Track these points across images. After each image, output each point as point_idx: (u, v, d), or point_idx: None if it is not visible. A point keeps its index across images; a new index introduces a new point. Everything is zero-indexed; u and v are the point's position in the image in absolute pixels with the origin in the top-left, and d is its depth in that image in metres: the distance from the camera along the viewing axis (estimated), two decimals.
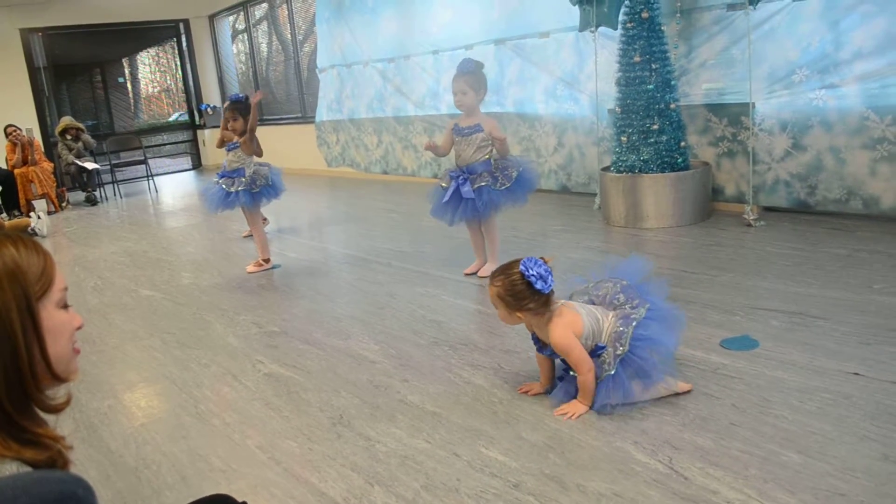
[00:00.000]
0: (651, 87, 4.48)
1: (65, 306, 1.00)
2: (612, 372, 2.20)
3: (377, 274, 4.17)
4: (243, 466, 2.17)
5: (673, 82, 4.56)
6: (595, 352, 2.26)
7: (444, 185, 3.77)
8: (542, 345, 2.35)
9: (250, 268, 4.58)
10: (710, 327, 2.80)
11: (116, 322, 3.83)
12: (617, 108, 4.70)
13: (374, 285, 3.95)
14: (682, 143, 4.58)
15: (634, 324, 2.23)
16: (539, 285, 2.17)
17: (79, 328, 1.01)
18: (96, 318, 3.91)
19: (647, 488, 1.81)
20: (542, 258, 2.23)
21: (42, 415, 0.97)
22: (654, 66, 4.48)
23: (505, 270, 2.26)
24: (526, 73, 6.07)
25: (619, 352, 2.21)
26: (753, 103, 4.34)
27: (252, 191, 4.38)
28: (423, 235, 5.03)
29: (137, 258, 5.45)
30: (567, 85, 5.69)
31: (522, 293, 2.20)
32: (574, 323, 2.23)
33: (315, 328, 3.36)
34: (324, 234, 5.72)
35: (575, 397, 2.27)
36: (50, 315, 0.95)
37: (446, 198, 3.70)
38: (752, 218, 4.32)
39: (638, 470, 1.90)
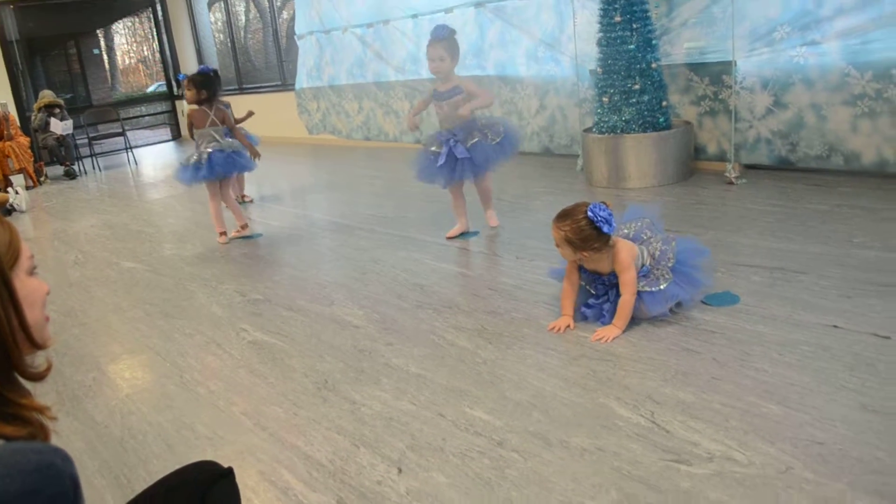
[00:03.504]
0: (632, 47, 4.44)
1: (32, 273, 1.00)
2: (668, 283, 2.47)
3: (360, 240, 4.16)
4: (229, 433, 2.17)
5: (654, 42, 4.52)
6: (641, 272, 2.52)
7: (434, 149, 3.74)
8: (588, 272, 2.60)
9: (231, 234, 4.57)
10: None
11: (98, 295, 3.80)
12: (598, 69, 4.66)
13: (358, 251, 3.94)
14: (664, 103, 4.55)
15: (674, 243, 2.56)
16: (606, 228, 2.40)
17: (47, 293, 1.02)
18: (78, 292, 3.88)
19: (629, 442, 1.83)
20: (603, 202, 2.43)
21: (25, 385, 0.97)
22: (634, 26, 4.43)
23: (570, 215, 2.46)
24: (507, 36, 6.00)
25: (670, 264, 2.50)
26: (735, 61, 4.32)
27: (222, 153, 4.34)
28: (405, 201, 5.00)
29: (118, 231, 5.40)
30: (548, 47, 5.64)
31: (591, 236, 2.42)
32: (632, 249, 2.51)
33: (298, 295, 3.35)
34: (306, 201, 5.68)
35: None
36: (23, 283, 0.96)
37: (441, 161, 3.67)
38: (733, 176, 4.33)
39: (620, 425, 1.92)
